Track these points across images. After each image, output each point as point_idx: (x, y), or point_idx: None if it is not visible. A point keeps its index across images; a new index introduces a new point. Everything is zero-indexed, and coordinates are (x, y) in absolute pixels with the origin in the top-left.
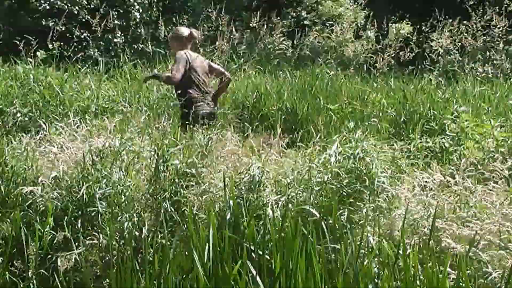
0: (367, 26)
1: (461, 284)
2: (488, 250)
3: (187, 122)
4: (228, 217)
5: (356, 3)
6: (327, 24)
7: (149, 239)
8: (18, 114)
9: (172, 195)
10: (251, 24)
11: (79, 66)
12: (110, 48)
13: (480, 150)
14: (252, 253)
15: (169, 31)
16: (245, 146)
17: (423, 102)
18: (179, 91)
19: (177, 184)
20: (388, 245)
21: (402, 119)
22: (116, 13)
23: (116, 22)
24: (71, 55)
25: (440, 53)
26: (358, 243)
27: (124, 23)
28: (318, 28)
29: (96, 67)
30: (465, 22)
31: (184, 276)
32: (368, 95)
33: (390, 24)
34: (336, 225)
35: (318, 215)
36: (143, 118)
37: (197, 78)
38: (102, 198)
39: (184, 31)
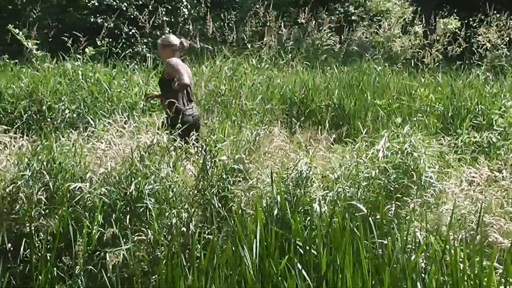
0: (415, 21)
1: (508, 279)
2: None
3: (176, 129)
4: (275, 212)
5: None
6: (375, 20)
7: (197, 234)
8: (67, 111)
9: (219, 190)
10: (299, 20)
11: (127, 63)
12: None
13: None
14: (299, 249)
15: (217, 27)
16: (293, 141)
17: (470, 97)
18: (171, 98)
19: (224, 179)
20: (436, 240)
21: (449, 114)
22: (164, 9)
23: (164, 18)
24: (120, 51)
25: (488, 47)
26: (405, 238)
27: (173, 19)
28: (366, 24)
29: (144, 64)
30: None
31: (231, 272)
32: (415, 90)
33: (437, 19)
34: (384, 220)
35: (365, 211)
36: None
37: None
38: (151, 194)
39: (174, 39)
